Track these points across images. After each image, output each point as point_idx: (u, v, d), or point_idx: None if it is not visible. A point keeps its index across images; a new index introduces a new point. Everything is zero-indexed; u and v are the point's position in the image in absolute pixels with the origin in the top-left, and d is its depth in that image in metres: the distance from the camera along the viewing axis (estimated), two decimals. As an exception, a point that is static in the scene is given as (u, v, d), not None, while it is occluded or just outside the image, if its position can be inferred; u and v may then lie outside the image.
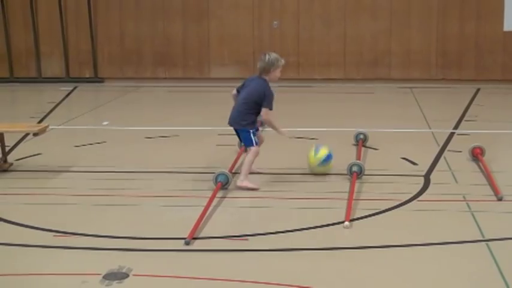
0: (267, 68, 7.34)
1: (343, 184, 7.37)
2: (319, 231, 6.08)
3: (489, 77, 15.36)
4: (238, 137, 7.73)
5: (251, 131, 7.40)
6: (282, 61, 7.43)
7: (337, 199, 6.91)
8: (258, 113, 7.42)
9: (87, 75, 16.52)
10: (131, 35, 16.35)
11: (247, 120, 7.40)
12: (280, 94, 14.32)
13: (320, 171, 7.82)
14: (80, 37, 16.39)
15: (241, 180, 7.27)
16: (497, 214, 6.60)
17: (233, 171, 7.89)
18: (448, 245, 5.75)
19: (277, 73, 7.40)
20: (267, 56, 7.36)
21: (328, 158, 7.76)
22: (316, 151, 7.77)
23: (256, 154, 7.46)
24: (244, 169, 7.36)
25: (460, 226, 6.22)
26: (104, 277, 5.04)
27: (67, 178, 7.95)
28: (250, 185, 7.26)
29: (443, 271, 5.24)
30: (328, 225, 6.21)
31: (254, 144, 7.41)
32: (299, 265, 5.36)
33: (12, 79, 16.47)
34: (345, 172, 7.60)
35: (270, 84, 7.43)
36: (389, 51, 15.70)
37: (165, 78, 16.26)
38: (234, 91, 7.65)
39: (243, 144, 7.92)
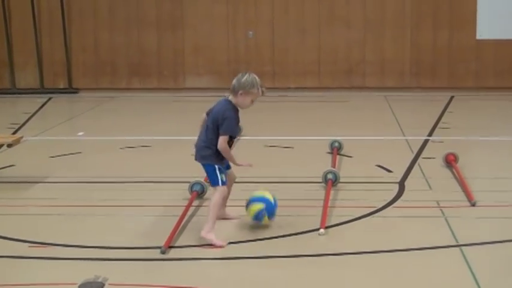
0: (236, 89, 6.09)
1: (319, 192, 7.39)
2: (295, 239, 6.11)
3: (462, 85, 15.50)
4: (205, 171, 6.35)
5: (216, 166, 6.16)
6: (257, 90, 6.12)
7: (312, 207, 6.93)
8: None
9: (62, 86, 16.44)
10: (105, 45, 16.32)
11: (210, 152, 6.16)
12: (256, 103, 14.32)
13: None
14: (54, 47, 16.32)
15: (206, 232, 5.94)
16: (470, 219, 6.67)
17: (208, 180, 7.90)
18: (422, 251, 5.80)
19: (246, 99, 6.11)
20: (244, 76, 6.12)
21: (260, 214, 6.26)
22: (249, 204, 6.35)
23: (223, 195, 6.24)
24: (210, 216, 6.02)
25: (434, 231, 6.29)
26: (79, 286, 5.04)
27: (42, 189, 7.93)
28: (215, 241, 5.89)
29: (417, 276, 5.31)
30: (303, 232, 6.25)
31: (220, 184, 6.14)
32: (275, 272, 5.39)
33: (-15, 91, 16.41)
34: (320, 180, 7.64)
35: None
36: (363, 60, 15.80)
37: (140, 89, 16.24)
38: (204, 115, 6.38)
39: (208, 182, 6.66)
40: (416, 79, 15.72)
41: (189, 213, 6.77)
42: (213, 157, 6.17)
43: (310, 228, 6.29)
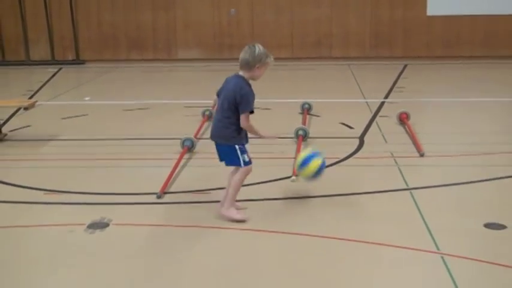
0: (252, 63, 5.14)
1: (291, 146, 7.46)
2: (272, 184, 6.19)
3: (415, 55, 15.55)
4: (219, 154, 5.35)
5: (236, 146, 5.21)
6: (270, 59, 5.24)
7: (286, 158, 7.00)
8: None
9: (70, 58, 16.37)
10: (108, 23, 16.22)
11: (229, 132, 5.20)
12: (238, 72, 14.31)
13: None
14: (63, 25, 16.21)
15: (226, 209, 5.28)
16: (419, 167, 6.77)
17: (197, 136, 7.94)
18: (379, 193, 5.91)
19: (262, 71, 5.23)
20: (257, 49, 5.16)
21: (322, 167, 5.52)
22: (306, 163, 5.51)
23: (248, 173, 5.32)
24: (230, 193, 5.28)
25: (388, 178, 6.38)
26: (88, 226, 5.12)
27: (54, 146, 7.94)
28: (236, 216, 5.24)
29: (374, 214, 5.41)
30: (279, 179, 6.32)
31: (242, 165, 5.22)
32: (254, 211, 5.46)
33: (4, 62, 16.31)
34: (293, 136, 7.70)
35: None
36: (330, 34, 15.78)
37: (138, 60, 16.19)
38: (215, 96, 5.43)
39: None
40: (375, 50, 15.75)
41: (181, 164, 6.82)
42: (232, 136, 5.20)
43: (284, 176, 6.37)
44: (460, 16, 15.45)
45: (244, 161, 5.22)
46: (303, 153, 5.62)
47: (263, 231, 5.03)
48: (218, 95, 5.34)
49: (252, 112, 5.23)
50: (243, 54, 5.19)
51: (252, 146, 7.06)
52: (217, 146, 5.32)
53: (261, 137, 5.43)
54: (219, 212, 5.33)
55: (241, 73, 5.24)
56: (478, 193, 5.94)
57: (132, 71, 15.10)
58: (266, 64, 5.21)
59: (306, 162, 5.48)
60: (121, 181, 6.43)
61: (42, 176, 6.66)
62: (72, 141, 8.17)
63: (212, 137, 5.33)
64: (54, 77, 14.18)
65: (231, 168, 5.40)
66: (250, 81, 5.27)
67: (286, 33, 15.89)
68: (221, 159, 5.36)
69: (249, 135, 5.39)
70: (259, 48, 5.19)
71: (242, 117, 5.15)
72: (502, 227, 5.03)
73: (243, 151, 5.24)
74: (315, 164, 5.46)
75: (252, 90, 5.23)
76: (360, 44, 15.72)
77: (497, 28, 15.44)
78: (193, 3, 15.96)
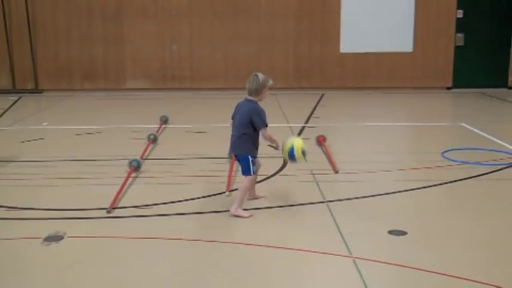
0: (259, 89, 5.75)
1: (225, 165, 7.42)
2: (208, 199, 6.18)
3: (330, 86, 15.80)
4: (239, 162, 5.92)
5: (250, 158, 5.71)
6: (270, 81, 5.86)
7: (220, 176, 7.00)
8: (255, 136, 5.79)
9: (30, 88, 15.95)
10: (64, 55, 15.89)
11: (245, 146, 5.74)
12: (180, 100, 14.28)
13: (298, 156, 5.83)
14: (23, 56, 15.77)
15: (235, 209, 5.65)
16: (334, 183, 6.87)
17: (143, 157, 7.87)
18: (299, 206, 5.97)
19: (266, 93, 5.83)
20: (260, 78, 5.77)
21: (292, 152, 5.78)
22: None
23: (253, 182, 5.98)
24: (238, 197, 5.72)
25: (308, 192, 6.44)
26: (44, 239, 4.99)
27: (14, 167, 7.70)
28: (242, 213, 5.65)
29: (295, 224, 5.45)
30: (214, 194, 6.32)
31: (252, 174, 5.75)
32: (190, 224, 5.44)
33: (-32, 91, 15.77)
34: (227, 156, 7.67)
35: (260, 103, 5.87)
36: (258, 67, 15.82)
37: (91, 89, 15.91)
38: (231, 120, 6.05)
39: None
40: (297, 81, 15.92)
41: (128, 182, 6.73)
42: (248, 149, 5.71)
43: (219, 192, 6.37)
44: (368, 53, 15.81)
45: (253, 171, 5.74)
46: (286, 148, 5.76)
47: (199, 240, 5.01)
48: (233, 118, 5.92)
49: (266, 126, 5.71)
50: (250, 84, 5.77)
51: (185, 167, 7.02)
52: (237, 157, 5.90)
53: (276, 146, 5.89)
54: (230, 213, 5.64)
55: (250, 98, 5.79)
56: (384, 204, 6.07)
57: (85, 99, 14.81)
58: (266, 87, 5.77)
59: (291, 154, 5.73)
60: (75, 198, 6.30)
61: (3, 194, 6.46)
62: (30, 162, 7.94)
63: (233, 151, 5.88)
64: (15, 105, 13.77)
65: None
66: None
67: (221, 66, 15.92)
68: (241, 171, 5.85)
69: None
70: (261, 76, 5.77)
71: (263, 131, 5.68)
72: (403, 233, 5.16)
73: (254, 163, 5.74)
74: (298, 152, 5.72)
75: (262, 109, 5.77)
76: (284, 76, 15.85)
77: (398, 63, 15.88)
78: (140, 40, 15.82)
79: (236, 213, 5.62)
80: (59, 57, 15.91)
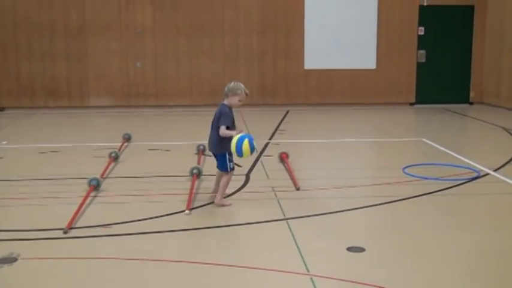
0: (226, 93, 6.42)
1: (186, 183, 7.41)
2: (167, 218, 6.10)
3: (294, 102, 15.92)
4: (216, 161, 6.62)
5: (227, 155, 6.40)
6: (242, 91, 6.41)
7: (181, 194, 6.95)
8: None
9: (-10, 105, 15.73)
10: (26, 72, 15.70)
11: (221, 145, 6.40)
12: (144, 117, 14.21)
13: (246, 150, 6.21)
14: (-17, 75, 15.58)
15: (218, 200, 6.44)
16: (295, 200, 6.85)
17: (104, 176, 7.77)
18: (260, 223, 5.93)
19: (235, 99, 6.40)
20: (232, 83, 6.49)
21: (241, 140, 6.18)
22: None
23: (230, 178, 6.57)
24: (221, 190, 6.45)
25: (268, 209, 6.42)
26: (-3, 262, 4.88)
27: (-29, 186, 7.56)
28: (225, 202, 6.45)
29: (256, 242, 5.42)
30: (174, 213, 6.26)
31: (228, 170, 6.44)
32: (149, 243, 5.37)
33: None
34: (188, 174, 7.66)
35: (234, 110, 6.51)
36: (223, 84, 15.80)
37: (54, 107, 15.73)
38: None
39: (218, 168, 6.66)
40: (262, 98, 15.98)
41: (87, 202, 6.63)
42: (224, 147, 6.35)
43: (179, 210, 6.32)
44: (332, 70, 15.99)
45: (230, 168, 6.44)
46: (233, 143, 6.13)
47: (161, 260, 4.95)
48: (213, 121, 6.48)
49: (228, 128, 6.31)
50: (225, 88, 6.43)
51: (146, 185, 6.96)
52: (214, 155, 6.60)
53: (232, 136, 6.20)
54: (215, 203, 6.43)
55: (224, 101, 6.47)
56: (344, 221, 6.08)
57: (48, 117, 14.63)
58: (236, 94, 6.38)
59: (239, 149, 6.10)
60: (31, 218, 6.16)
61: (-43, 215, 6.30)
62: (-13, 182, 7.78)
63: (210, 149, 6.63)
64: (-25, 123, 13.56)
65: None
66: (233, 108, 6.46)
67: (186, 84, 15.90)
68: (217, 166, 6.60)
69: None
70: (235, 83, 6.47)
71: (219, 128, 6.31)
72: (361, 249, 5.17)
73: (230, 160, 6.42)
74: (245, 147, 6.09)
75: (230, 112, 6.41)
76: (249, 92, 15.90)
77: (361, 80, 16.08)
78: (103, 57, 15.73)
79: (220, 203, 6.41)
80: (21, 75, 15.71)
